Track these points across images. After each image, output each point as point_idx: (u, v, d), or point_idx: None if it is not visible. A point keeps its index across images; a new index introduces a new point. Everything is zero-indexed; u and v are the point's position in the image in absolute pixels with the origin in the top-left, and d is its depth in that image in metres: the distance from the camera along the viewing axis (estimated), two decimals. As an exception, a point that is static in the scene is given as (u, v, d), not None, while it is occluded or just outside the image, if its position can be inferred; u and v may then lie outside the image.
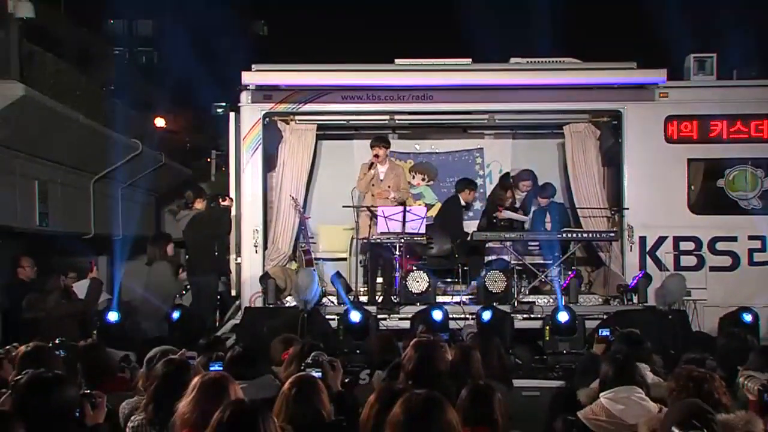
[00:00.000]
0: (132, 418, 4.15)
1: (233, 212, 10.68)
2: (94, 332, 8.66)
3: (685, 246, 10.44)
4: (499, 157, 12.08)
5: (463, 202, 10.93)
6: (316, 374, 4.36)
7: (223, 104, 30.78)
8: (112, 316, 8.95)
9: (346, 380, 5.67)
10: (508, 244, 10.51)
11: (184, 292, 10.89)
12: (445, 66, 10.90)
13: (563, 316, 8.91)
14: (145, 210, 17.02)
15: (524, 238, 10.64)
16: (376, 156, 10.32)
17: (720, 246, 10.42)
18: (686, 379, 4.35)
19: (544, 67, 10.84)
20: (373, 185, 10.36)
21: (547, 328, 9.07)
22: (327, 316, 9.44)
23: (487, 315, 8.89)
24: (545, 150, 11.95)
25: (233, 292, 10.87)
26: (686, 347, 7.80)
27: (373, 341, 7.26)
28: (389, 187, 10.36)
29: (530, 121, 11.35)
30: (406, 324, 9.16)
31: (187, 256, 10.65)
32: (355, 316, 8.83)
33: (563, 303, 9.40)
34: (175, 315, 9.29)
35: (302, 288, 9.20)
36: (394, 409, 3.34)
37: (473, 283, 10.23)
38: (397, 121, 10.99)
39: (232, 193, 10.82)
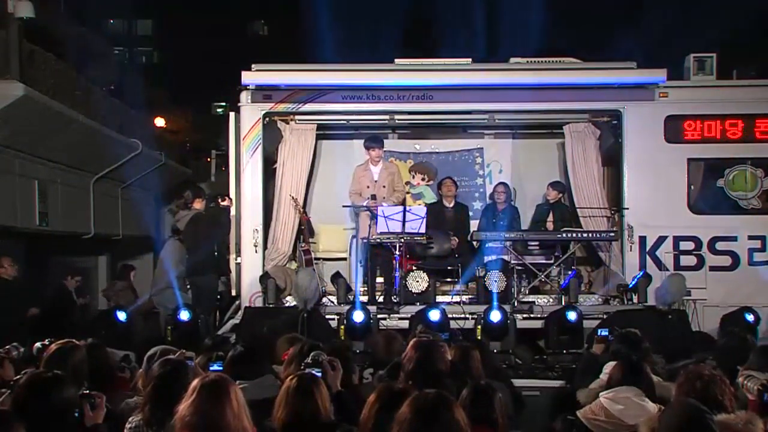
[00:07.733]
0: (130, 419, 4.13)
1: (233, 212, 10.68)
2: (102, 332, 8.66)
3: (685, 246, 10.43)
4: (499, 157, 12.06)
5: (446, 203, 10.83)
6: (316, 373, 4.36)
7: (223, 104, 30.81)
8: (121, 316, 8.95)
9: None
10: (507, 243, 10.50)
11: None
12: (445, 66, 10.90)
13: (572, 315, 8.91)
14: (145, 210, 17.02)
15: (524, 238, 10.64)
16: (376, 156, 10.34)
17: (720, 246, 10.42)
18: (695, 377, 4.33)
19: (544, 67, 10.84)
20: (368, 187, 10.27)
21: (556, 327, 9.06)
22: (327, 316, 9.44)
23: (496, 316, 8.84)
24: (545, 150, 11.95)
25: (233, 292, 10.86)
26: (686, 347, 7.81)
27: (377, 339, 7.24)
28: (384, 187, 10.32)
29: (530, 121, 11.32)
30: (406, 324, 9.15)
31: (186, 256, 10.64)
32: (358, 317, 8.81)
33: (566, 301, 9.41)
34: (185, 316, 9.23)
35: (302, 288, 9.19)
36: (403, 408, 3.36)
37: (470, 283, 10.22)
38: (397, 121, 10.99)
39: (232, 193, 10.81)
